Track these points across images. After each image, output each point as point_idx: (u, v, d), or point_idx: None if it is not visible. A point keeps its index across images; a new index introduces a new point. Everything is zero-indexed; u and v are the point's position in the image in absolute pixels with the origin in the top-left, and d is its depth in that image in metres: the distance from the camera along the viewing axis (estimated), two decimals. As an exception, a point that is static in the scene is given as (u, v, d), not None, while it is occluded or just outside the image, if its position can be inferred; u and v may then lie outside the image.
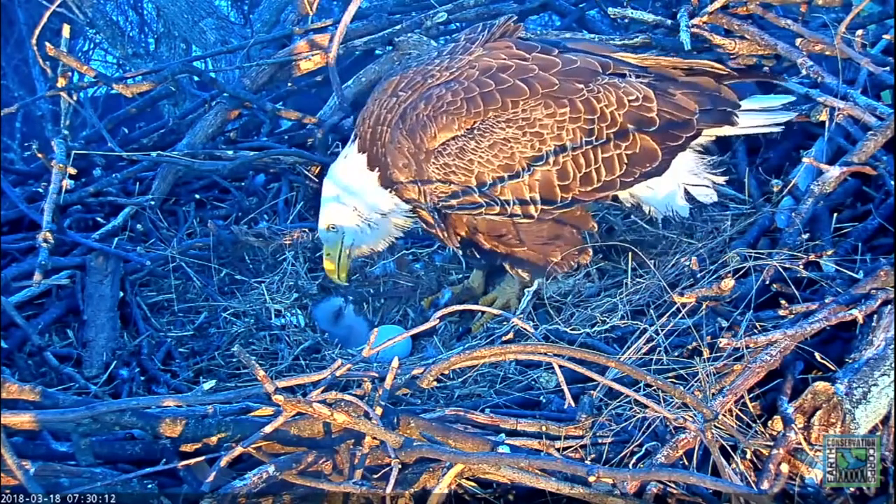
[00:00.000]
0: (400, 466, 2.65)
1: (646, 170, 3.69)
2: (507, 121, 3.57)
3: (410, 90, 3.66)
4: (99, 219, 4.46)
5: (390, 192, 3.75)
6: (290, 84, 5.10)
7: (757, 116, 3.85)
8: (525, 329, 3.21)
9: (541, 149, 3.58)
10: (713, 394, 2.94)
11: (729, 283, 3.25)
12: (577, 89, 3.60)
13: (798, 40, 4.17)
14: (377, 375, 2.92)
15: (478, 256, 3.90)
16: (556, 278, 3.80)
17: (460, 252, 3.91)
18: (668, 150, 3.69)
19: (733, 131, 3.86)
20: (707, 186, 3.86)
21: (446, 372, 3.18)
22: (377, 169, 3.73)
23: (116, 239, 4.23)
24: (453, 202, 3.65)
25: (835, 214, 3.71)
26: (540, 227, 3.72)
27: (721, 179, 3.91)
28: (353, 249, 3.89)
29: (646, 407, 2.83)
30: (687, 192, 3.85)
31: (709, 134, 3.82)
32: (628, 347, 3.23)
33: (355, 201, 3.79)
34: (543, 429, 2.89)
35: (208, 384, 3.38)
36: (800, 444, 2.81)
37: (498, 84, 3.59)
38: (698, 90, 3.73)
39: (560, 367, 2.89)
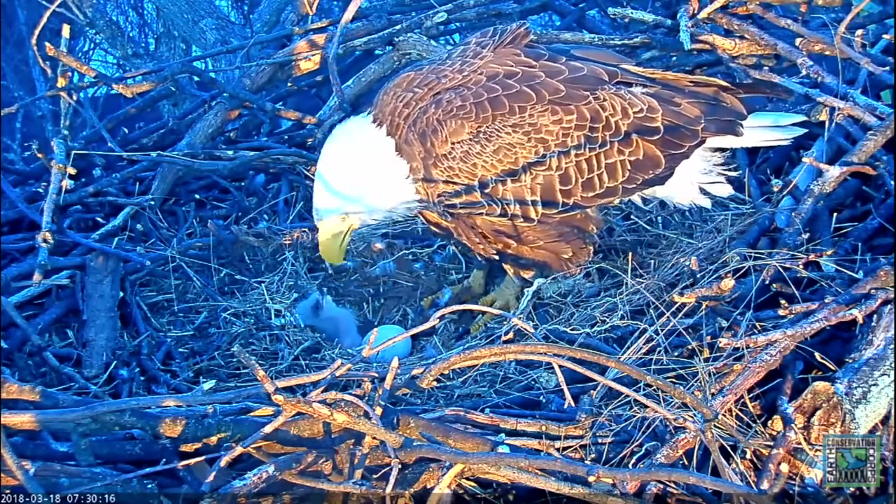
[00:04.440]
0: (400, 466, 2.65)
1: (649, 177, 3.68)
2: (514, 126, 3.57)
3: (425, 87, 3.65)
4: (99, 219, 4.45)
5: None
6: (290, 84, 5.10)
7: (763, 131, 3.83)
8: (525, 329, 3.21)
9: (544, 154, 3.59)
10: (713, 394, 2.94)
11: (729, 282, 3.26)
12: (582, 96, 3.59)
13: (798, 40, 4.18)
14: (377, 375, 2.91)
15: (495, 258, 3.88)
16: (556, 278, 3.80)
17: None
18: (672, 158, 3.68)
19: (738, 142, 3.84)
20: (721, 182, 3.85)
21: (446, 372, 3.18)
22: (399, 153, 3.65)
23: (116, 239, 4.22)
24: (456, 202, 3.64)
25: (835, 214, 3.71)
26: (547, 228, 3.71)
27: (734, 173, 3.90)
28: (363, 221, 3.76)
29: (646, 407, 2.83)
30: (702, 189, 3.85)
31: (713, 144, 3.80)
32: (628, 347, 3.24)
33: (373, 183, 3.67)
34: (543, 429, 2.89)
35: (208, 384, 3.37)
36: (800, 443, 2.82)
37: (505, 90, 3.58)
38: (704, 99, 3.71)
39: (560, 366, 2.89)
